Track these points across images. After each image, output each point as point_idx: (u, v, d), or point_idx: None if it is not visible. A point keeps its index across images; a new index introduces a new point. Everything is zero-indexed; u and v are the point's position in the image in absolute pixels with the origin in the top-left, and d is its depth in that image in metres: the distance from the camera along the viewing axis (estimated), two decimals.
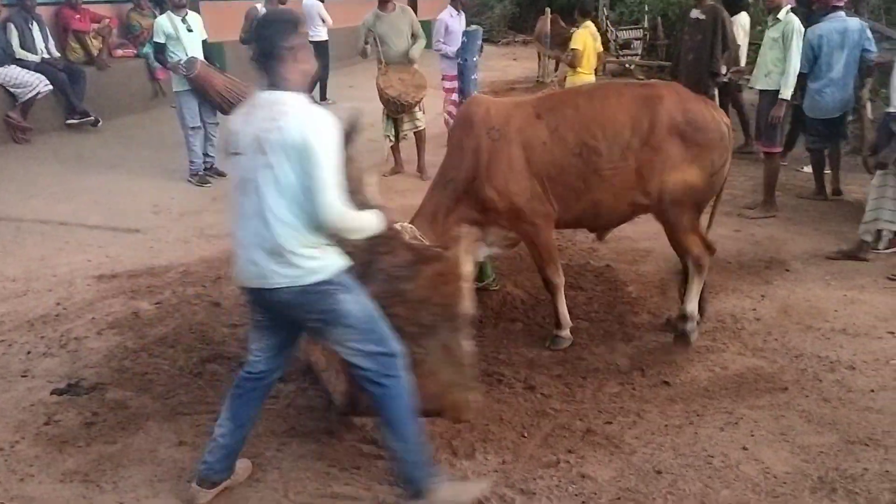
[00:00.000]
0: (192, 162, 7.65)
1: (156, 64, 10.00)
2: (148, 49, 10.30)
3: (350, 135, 3.02)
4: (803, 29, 6.28)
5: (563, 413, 3.65)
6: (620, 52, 15.91)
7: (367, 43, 7.66)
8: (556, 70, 14.25)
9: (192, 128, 7.49)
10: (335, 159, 2.67)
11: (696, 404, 3.71)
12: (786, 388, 3.84)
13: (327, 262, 2.77)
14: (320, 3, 11.80)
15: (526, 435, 3.48)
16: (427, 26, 8.06)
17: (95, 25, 10.09)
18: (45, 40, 9.04)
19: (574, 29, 8.26)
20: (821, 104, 6.58)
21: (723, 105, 7.63)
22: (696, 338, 4.27)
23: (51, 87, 8.72)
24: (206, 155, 7.78)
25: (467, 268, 3.19)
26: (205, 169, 7.78)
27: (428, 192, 4.25)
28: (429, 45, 8.04)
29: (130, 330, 4.54)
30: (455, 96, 8.54)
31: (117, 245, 5.98)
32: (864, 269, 5.34)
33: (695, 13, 7.62)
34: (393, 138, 7.85)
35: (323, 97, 12.06)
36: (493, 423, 3.53)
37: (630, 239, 5.85)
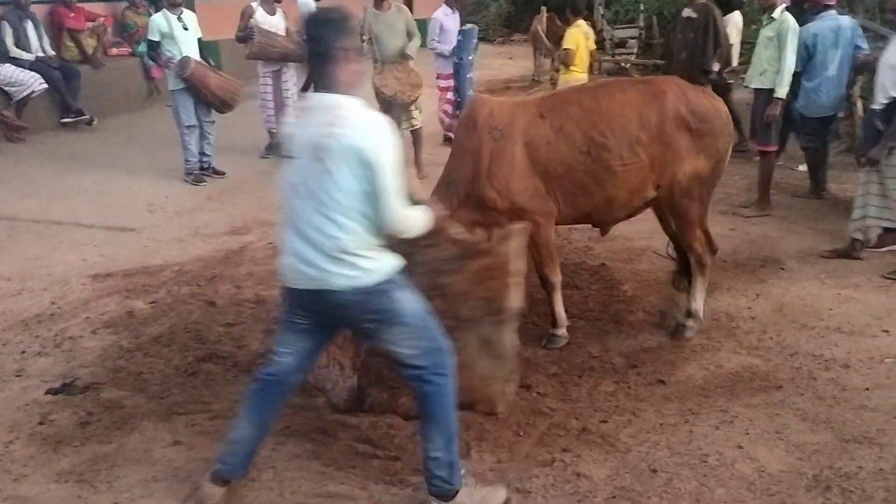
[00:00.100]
0: (187, 161, 7.63)
1: (151, 62, 9.99)
2: (143, 48, 10.29)
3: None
4: (798, 28, 6.30)
5: (558, 412, 3.64)
6: (616, 51, 15.91)
7: (364, 41, 7.64)
8: (555, 69, 14.26)
9: (188, 126, 7.48)
10: (395, 164, 2.67)
11: (691, 403, 3.72)
12: (781, 386, 3.85)
13: (384, 263, 2.77)
14: (312, 3, 11.79)
15: (521, 434, 3.48)
16: (423, 25, 8.06)
17: (90, 24, 10.08)
18: (40, 39, 9.03)
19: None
20: (817, 102, 6.64)
21: None
22: (693, 335, 4.31)
23: (45, 85, 8.71)
24: (203, 154, 7.76)
25: (517, 264, 3.21)
26: (202, 169, 7.77)
27: (431, 194, 4.25)
28: (424, 44, 8.04)
29: (125, 329, 4.53)
30: (450, 95, 8.57)
31: (112, 244, 5.97)
32: (858, 268, 5.35)
33: (687, 12, 7.68)
34: None
35: None
36: (488, 422, 3.52)
37: (625, 237, 5.85)
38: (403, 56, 7.55)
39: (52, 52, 9.24)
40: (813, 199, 6.92)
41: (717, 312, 4.65)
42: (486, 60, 16.12)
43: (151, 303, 4.88)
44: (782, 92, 6.27)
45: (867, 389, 3.81)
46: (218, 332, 4.48)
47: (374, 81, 7.47)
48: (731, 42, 7.90)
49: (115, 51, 10.62)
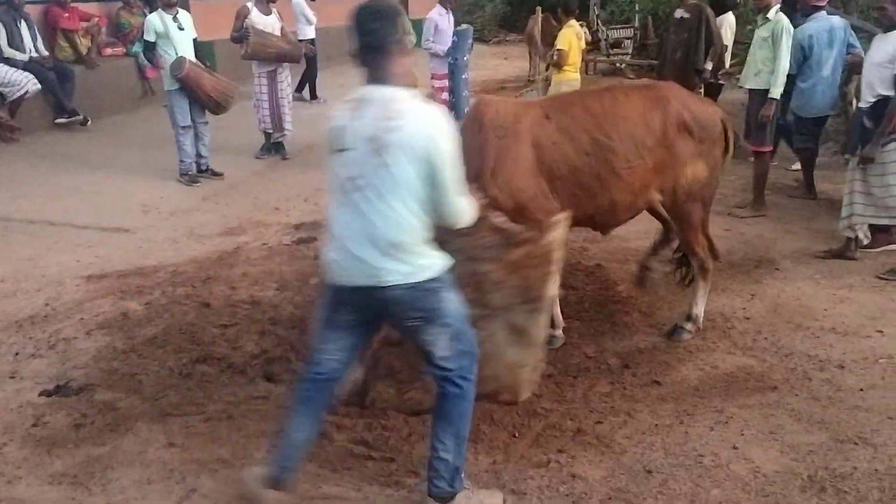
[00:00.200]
0: (181, 161, 7.61)
1: (145, 62, 9.97)
2: (137, 48, 10.28)
3: None
4: (793, 28, 6.32)
5: (553, 413, 3.64)
6: (611, 52, 15.94)
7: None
8: (546, 69, 14.28)
9: (183, 127, 7.46)
10: (455, 155, 2.66)
11: (686, 403, 3.72)
12: (775, 386, 3.86)
13: (436, 261, 2.76)
14: (303, 3, 11.80)
15: (517, 435, 3.48)
16: (417, 25, 8.04)
17: (84, 24, 10.05)
18: (34, 39, 9.00)
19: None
20: (812, 102, 6.71)
21: None
22: (689, 338, 4.34)
23: (39, 86, 8.68)
24: (199, 156, 7.74)
25: (559, 253, 3.19)
26: (199, 170, 7.74)
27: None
28: (418, 44, 8.02)
29: (119, 331, 4.51)
30: (445, 95, 8.56)
31: (106, 245, 5.96)
32: (853, 268, 5.36)
33: (679, 12, 7.76)
34: None
35: (313, 96, 12.05)
36: (484, 423, 3.52)
37: (621, 238, 5.85)
38: None
39: (45, 53, 9.20)
40: (808, 200, 6.94)
41: (713, 313, 4.65)
42: (482, 61, 16.12)
43: (146, 304, 4.87)
44: (776, 92, 6.29)
45: (862, 390, 3.82)
46: (212, 333, 4.46)
47: None
48: (725, 44, 7.96)
49: (109, 51, 10.59)
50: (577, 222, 4.38)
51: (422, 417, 3.56)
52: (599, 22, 16.97)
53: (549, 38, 13.11)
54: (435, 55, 8.10)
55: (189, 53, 7.38)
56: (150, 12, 7.95)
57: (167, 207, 6.94)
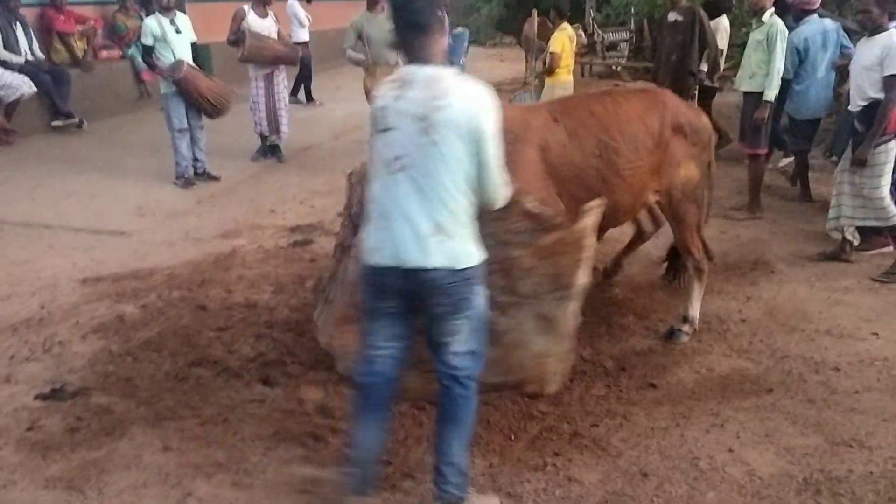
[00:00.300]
0: (177, 164, 7.59)
1: (142, 65, 9.94)
2: (133, 51, 10.27)
3: None
4: (787, 31, 6.36)
5: (549, 416, 3.64)
6: (607, 54, 15.97)
7: (359, 39, 7.60)
8: (543, 67, 14.32)
9: (179, 130, 7.43)
10: (498, 133, 2.67)
11: (682, 406, 3.73)
12: (771, 389, 3.86)
13: (475, 250, 2.74)
14: (297, 5, 11.81)
15: (513, 438, 3.48)
16: None
17: (80, 27, 10.02)
18: (29, 42, 8.98)
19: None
20: (807, 105, 6.76)
21: (703, 105, 7.70)
22: (686, 340, 4.36)
23: (35, 88, 8.66)
24: (195, 159, 7.73)
25: (591, 240, 3.17)
26: (196, 173, 7.73)
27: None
28: None
29: (115, 334, 4.50)
30: None
31: (102, 248, 5.94)
32: (848, 271, 5.38)
33: (672, 15, 7.82)
34: None
35: (309, 98, 12.05)
36: (479, 426, 3.50)
37: (616, 241, 5.84)
38: (395, 58, 7.54)
39: (41, 55, 9.19)
40: (803, 202, 6.97)
41: (708, 315, 4.66)
42: (478, 63, 16.13)
43: (141, 307, 4.85)
44: (771, 95, 6.32)
45: (857, 392, 3.83)
46: (208, 336, 4.45)
47: (365, 83, 7.46)
48: (720, 47, 8.00)
49: (105, 53, 10.57)
50: None
51: (417, 420, 3.56)
52: (595, 24, 16.99)
53: (545, 40, 13.15)
54: None
55: (187, 57, 7.36)
56: (147, 15, 7.93)
57: (163, 210, 6.92)
